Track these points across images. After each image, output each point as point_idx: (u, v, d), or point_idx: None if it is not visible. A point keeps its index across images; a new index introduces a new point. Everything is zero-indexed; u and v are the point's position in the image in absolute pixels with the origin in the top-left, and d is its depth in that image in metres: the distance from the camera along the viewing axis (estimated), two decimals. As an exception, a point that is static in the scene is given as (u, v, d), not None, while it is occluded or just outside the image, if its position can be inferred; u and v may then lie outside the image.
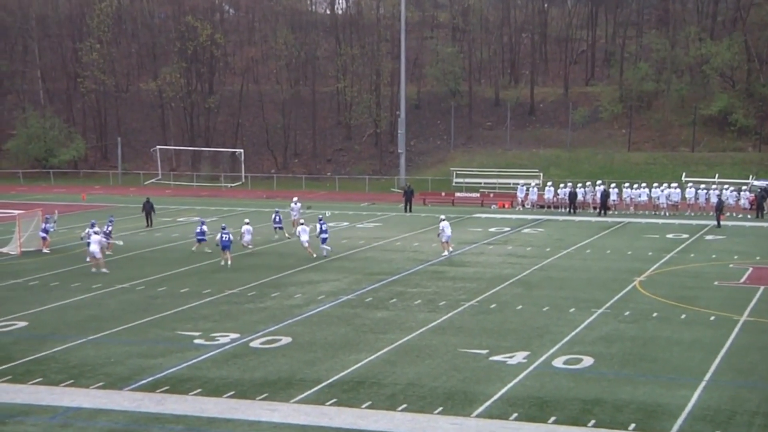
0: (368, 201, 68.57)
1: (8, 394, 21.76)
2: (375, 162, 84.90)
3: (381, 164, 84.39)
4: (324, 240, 41.79)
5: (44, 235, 43.73)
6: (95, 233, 38.43)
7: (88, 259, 38.98)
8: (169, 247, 43.89)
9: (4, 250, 43.84)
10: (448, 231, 42.08)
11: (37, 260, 41.16)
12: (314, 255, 40.77)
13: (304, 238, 41.27)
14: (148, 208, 52.33)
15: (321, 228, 41.65)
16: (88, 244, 39.59)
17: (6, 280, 36.40)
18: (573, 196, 60.41)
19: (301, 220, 44.04)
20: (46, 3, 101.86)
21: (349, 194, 73.86)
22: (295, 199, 51.88)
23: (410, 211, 60.70)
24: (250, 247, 43.15)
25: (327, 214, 51.07)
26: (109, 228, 41.98)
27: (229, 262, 39.54)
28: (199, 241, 42.97)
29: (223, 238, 39.96)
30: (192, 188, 79.49)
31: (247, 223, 43.75)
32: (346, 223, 54.59)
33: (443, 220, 42.73)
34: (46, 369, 23.66)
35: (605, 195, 59.52)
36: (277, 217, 47.59)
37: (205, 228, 43.39)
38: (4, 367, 23.91)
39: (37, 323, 28.96)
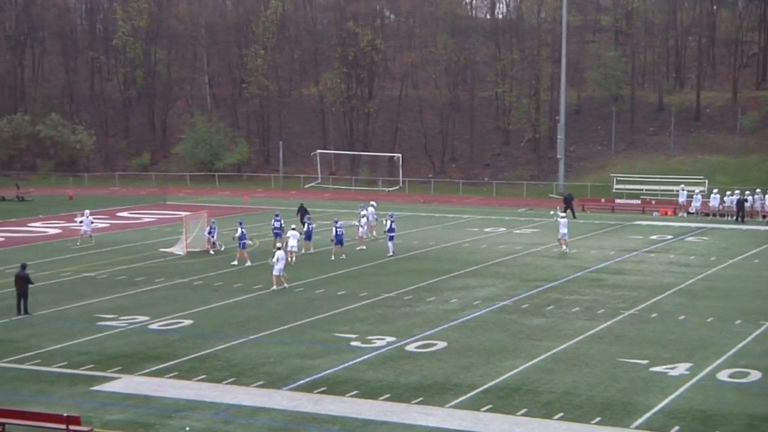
0: (526, 206, 67.93)
1: (174, 389, 22.53)
2: (533, 167, 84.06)
3: (539, 170, 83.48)
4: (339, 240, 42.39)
5: (208, 236, 45.01)
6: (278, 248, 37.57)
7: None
8: (326, 250, 44.51)
9: (172, 250, 45.34)
10: (564, 229, 43.77)
11: (201, 260, 42.42)
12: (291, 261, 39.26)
13: (292, 243, 40.21)
14: (303, 212, 52.21)
15: (336, 232, 42.56)
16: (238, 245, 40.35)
17: (173, 280, 37.67)
18: (741, 203, 58.24)
19: (293, 226, 43.22)
20: (215, 11, 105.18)
21: (506, 200, 73.44)
22: (372, 202, 50.66)
23: (573, 217, 59.57)
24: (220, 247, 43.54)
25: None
26: (278, 222, 44.95)
27: (343, 256, 41.65)
28: (276, 235, 44.13)
29: (338, 233, 42.02)
30: (350, 192, 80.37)
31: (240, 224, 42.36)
32: (503, 229, 54.33)
33: (562, 217, 44.76)
34: (209, 366, 24.36)
35: (776, 203, 57.23)
36: (277, 223, 45.96)
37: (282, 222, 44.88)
38: (170, 363, 24.77)
39: (201, 322, 29.82)
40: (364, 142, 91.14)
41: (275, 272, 35.31)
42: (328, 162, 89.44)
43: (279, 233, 44.33)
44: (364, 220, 46.62)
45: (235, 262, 41.03)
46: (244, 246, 41.44)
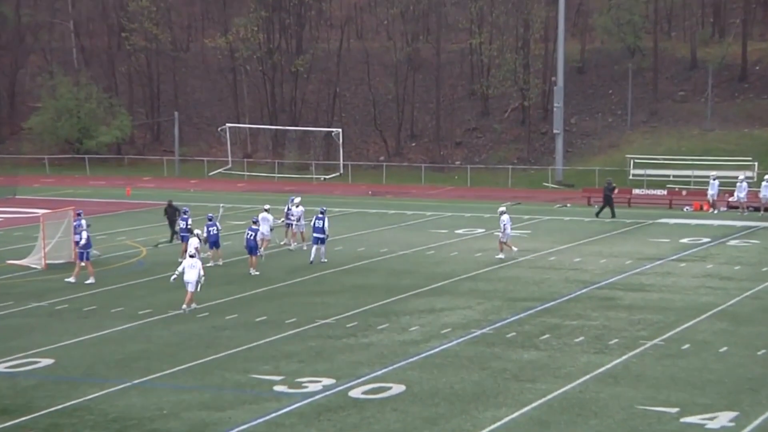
0: (511, 200, 68.02)
1: (28, 454, 22.22)
2: (521, 146, 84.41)
3: (529, 149, 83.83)
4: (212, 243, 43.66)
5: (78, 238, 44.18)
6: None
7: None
8: (239, 260, 44.03)
9: (25, 262, 44.61)
10: (509, 228, 45.31)
11: (66, 276, 41.43)
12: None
13: (191, 252, 37.17)
14: (171, 214, 50.56)
15: (246, 236, 42.73)
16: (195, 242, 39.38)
17: (26, 303, 36.97)
18: None
19: (196, 231, 42.70)
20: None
21: (484, 190, 73.58)
22: (297, 200, 49.38)
23: (612, 215, 59.24)
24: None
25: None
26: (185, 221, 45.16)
27: (220, 262, 42.97)
28: (184, 239, 44.17)
29: (210, 232, 42.94)
30: (273, 181, 79.99)
31: None
32: (480, 230, 54.39)
33: (504, 213, 45.58)
34: (77, 423, 23.87)
35: None
36: (183, 223, 45.95)
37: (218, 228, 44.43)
38: (23, 418, 24.15)
39: (66, 361, 29.23)
40: (291, 112, 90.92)
41: (191, 288, 35.10)
42: (242, 140, 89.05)
43: (186, 236, 43.92)
44: (264, 214, 45.99)
45: (72, 279, 40.64)
46: (86, 257, 40.85)
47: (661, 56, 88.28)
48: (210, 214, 45.77)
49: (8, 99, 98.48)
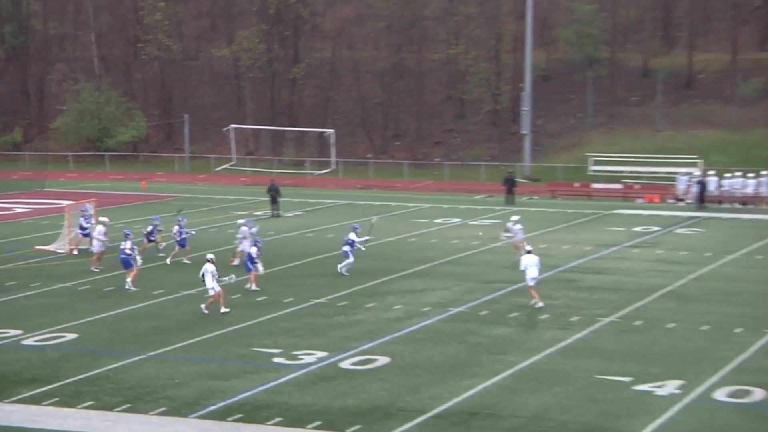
0: (484, 193, 68.12)
1: (55, 419, 22.14)
2: (493, 145, 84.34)
3: (500, 148, 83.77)
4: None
5: (82, 232, 43.95)
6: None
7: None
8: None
9: (51, 248, 44.60)
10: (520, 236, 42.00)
11: (88, 260, 41.14)
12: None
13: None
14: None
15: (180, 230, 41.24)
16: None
17: (52, 284, 37.09)
18: None
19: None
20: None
21: (460, 184, 73.69)
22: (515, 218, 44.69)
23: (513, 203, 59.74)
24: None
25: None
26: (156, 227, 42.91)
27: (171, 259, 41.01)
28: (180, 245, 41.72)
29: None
30: (272, 176, 79.58)
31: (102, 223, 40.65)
32: (456, 220, 54.39)
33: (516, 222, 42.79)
34: (98, 390, 24.07)
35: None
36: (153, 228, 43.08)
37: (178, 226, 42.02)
38: (50, 386, 24.35)
39: (88, 335, 29.41)
40: (289, 114, 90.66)
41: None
42: (245, 139, 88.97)
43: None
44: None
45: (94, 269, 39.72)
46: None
47: (617, 66, 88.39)
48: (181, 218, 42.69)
49: (37, 102, 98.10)
